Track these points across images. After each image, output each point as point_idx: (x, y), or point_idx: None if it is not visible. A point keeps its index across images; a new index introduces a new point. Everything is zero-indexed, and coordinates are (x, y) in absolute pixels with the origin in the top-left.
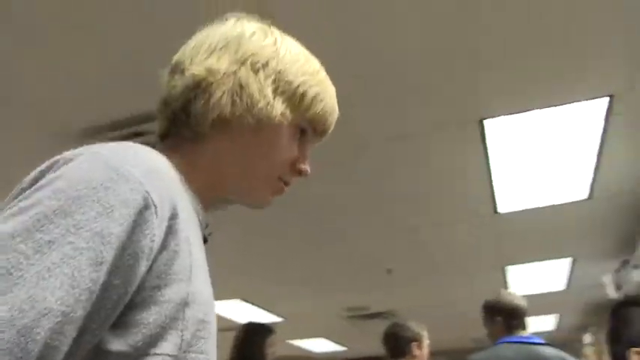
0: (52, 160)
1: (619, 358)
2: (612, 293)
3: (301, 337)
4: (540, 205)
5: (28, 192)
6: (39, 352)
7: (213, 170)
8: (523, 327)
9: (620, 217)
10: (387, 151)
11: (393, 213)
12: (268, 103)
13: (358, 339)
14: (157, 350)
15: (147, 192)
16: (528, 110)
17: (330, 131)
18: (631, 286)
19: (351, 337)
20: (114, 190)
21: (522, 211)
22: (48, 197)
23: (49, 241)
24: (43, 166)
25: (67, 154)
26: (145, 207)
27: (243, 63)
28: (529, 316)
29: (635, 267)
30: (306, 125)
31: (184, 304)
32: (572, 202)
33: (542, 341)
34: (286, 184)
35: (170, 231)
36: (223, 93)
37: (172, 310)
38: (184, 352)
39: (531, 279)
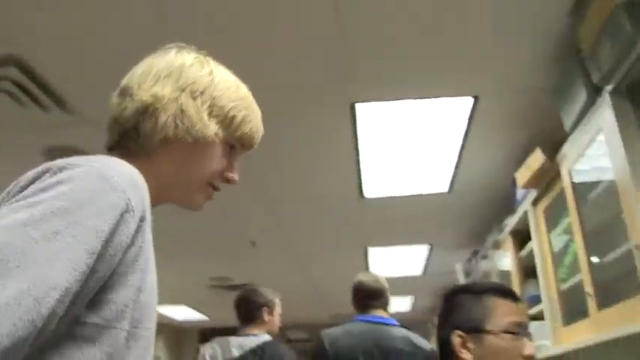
0: (45, 166)
1: (444, 341)
2: (462, 280)
3: (163, 303)
4: (404, 194)
5: (30, 190)
6: (47, 315)
7: (159, 181)
8: (380, 307)
9: (475, 211)
10: None
11: (259, 188)
12: (204, 125)
13: (220, 308)
14: (118, 325)
15: (129, 199)
16: (399, 99)
17: (255, 146)
18: (478, 274)
19: (214, 307)
20: (106, 197)
21: (387, 197)
22: (54, 197)
23: (55, 232)
24: (38, 170)
25: (59, 162)
26: (126, 211)
27: (183, 90)
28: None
29: (484, 257)
30: (235, 142)
31: (140, 289)
32: (434, 194)
33: (394, 322)
34: (215, 189)
35: (139, 231)
36: (168, 117)
37: (132, 293)
38: (134, 327)
39: (391, 262)
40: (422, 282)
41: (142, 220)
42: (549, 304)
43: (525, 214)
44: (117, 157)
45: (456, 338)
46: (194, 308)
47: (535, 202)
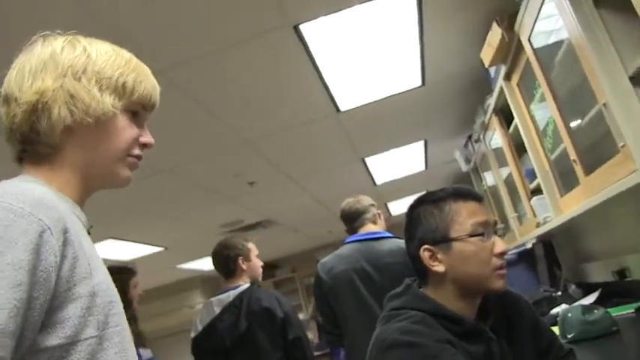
0: None
1: (414, 256)
2: (464, 166)
3: (188, 260)
4: (379, 98)
5: None
6: None
7: (79, 171)
8: (368, 222)
9: (456, 98)
10: (207, 67)
11: (238, 133)
12: (98, 102)
13: None
14: (84, 335)
15: (40, 220)
16: (341, 10)
17: (157, 104)
18: (478, 158)
19: None
20: (13, 227)
21: (363, 106)
22: None
23: None
24: None
25: None
26: (42, 232)
27: (65, 75)
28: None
29: (476, 141)
30: (136, 107)
31: (92, 294)
32: (409, 91)
33: (386, 234)
34: (138, 157)
35: (66, 243)
36: (59, 107)
37: (85, 302)
38: (103, 330)
39: (393, 166)
40: (427, 176)
41: (65, 231)
42: (543, 176)
43: (502, 91)
44: (29, 169)
45: (424, 253)
46: None
47: (507, 77)
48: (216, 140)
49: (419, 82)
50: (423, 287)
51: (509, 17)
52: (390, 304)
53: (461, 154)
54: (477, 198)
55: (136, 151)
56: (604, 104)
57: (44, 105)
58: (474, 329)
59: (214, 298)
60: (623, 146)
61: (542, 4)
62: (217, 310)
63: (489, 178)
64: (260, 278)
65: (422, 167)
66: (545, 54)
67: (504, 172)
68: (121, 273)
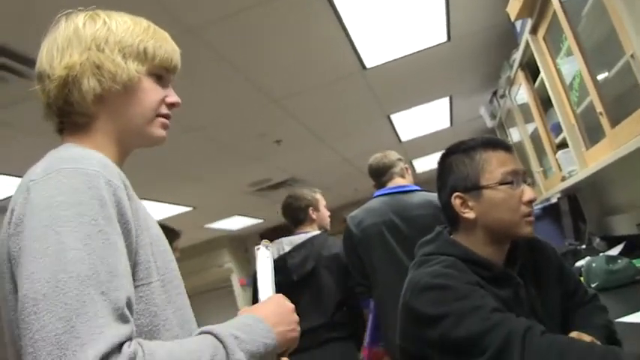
0: (23, 186)
1: (446, 204)
2: (489, 122)
3: (217, 219)
4: (405, 54)
5: (30, 215)
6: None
7: (113, 137)
8: (397, 176)
9: (482, 53)
10: (236, 26)
11: (264, 91)
12: (123, 69)
13: (271, 208)
14: (151, 279)
15: (109, 180)
16: None
17: (179, 66)
18: (503, 113)
19: (264, 208)
20: (97, 187)
21: (389, 62)
22: (65, 211)
23: (88, 235)
24: (20, 198)
25: (33, 176)
26: (115, 189)
27: (89, 49)
28: (426, 155)
29: (502, 97)
30: (159, 70)
31: (151, 243)
32: (434, 47)
33: (414, 187)
34: (166, 117)
35: (129, 198)
36: (88, 78)
37: (148, 249)
38: (163, 274)
39: (418, 123)
40: (453, 133)
41: (127, 188)
42: (569, 130)
43: (528, 45)
44: (70, 140)
45: (455, 200)
46: (246, 215)
47: (533, 31)
48: (244, 99)
49: (444, 38)
50: (454, 234)
51: None
52: (421, 250)
53: (486, 110)
54: (507, 148)
55: (164, 111)
56: (632, 55)
57: (74, 78)
58: (502, 274)
59: (284, 238)
60: None
61: None
62: (287, 248)
63: (515, 134)
64: (328, 227)
65: (447, 124)
66: (573, 6)
67: (530, 127)
68: (167, 233)
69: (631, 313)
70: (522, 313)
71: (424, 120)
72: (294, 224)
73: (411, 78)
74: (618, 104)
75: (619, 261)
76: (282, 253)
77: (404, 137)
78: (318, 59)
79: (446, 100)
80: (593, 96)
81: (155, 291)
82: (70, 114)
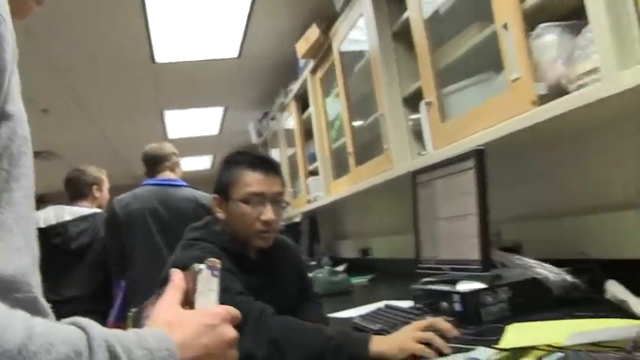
0: None
1: (210, 199)
2: (254, 139)
3: None
4: (196, 59)
5: None
6: None
7: None
8: (167, 170)
9: (264, 76)
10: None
11: (46, 54)
12: None
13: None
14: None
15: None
16: None
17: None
18: (269, 134)
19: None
20: None
21: (178, 62)
22: None
23: None
24: None
25: None
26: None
27: None
28: (188, 156)
29: (272, 119)
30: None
31: (15, 120)
32: (225, 59)
33: (181, 183)
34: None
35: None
36: None
37: (12, 124)
38: (13, 166)
39: (188, 124)
40: (220, 141)
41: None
42: (323, 161)
43: (306, 81)
44: None
45: (214, 199)
46: None
47: (313, 71)
48: (23, 58)
49: (236, 54)
50: (219, 225)
51: (328, 22)
52: (188, 235)
53: (254, 127)
54: (268, 170)
55: None
56: (381, 114)
57: None
58: (253, 264)
59: (66, 206)
60: (387, 149)
61: (356, 20)
62: (68, 217)
63: (275, 154)
64: (105, 208)
65: (216, 131)
66: (349, 60)
67: (290, 151)
68: None
69: (340, 311)
70: (266, 299)
71: (195, 123)
72: (74, 197)
73: (194, 82)
74: (364, 149)
75: (339, 275)
76: (61, 220)
77: (171, 134)
78: (112, 39)
79: (220, 110)
80: (347, 137)
81: None
82: None
